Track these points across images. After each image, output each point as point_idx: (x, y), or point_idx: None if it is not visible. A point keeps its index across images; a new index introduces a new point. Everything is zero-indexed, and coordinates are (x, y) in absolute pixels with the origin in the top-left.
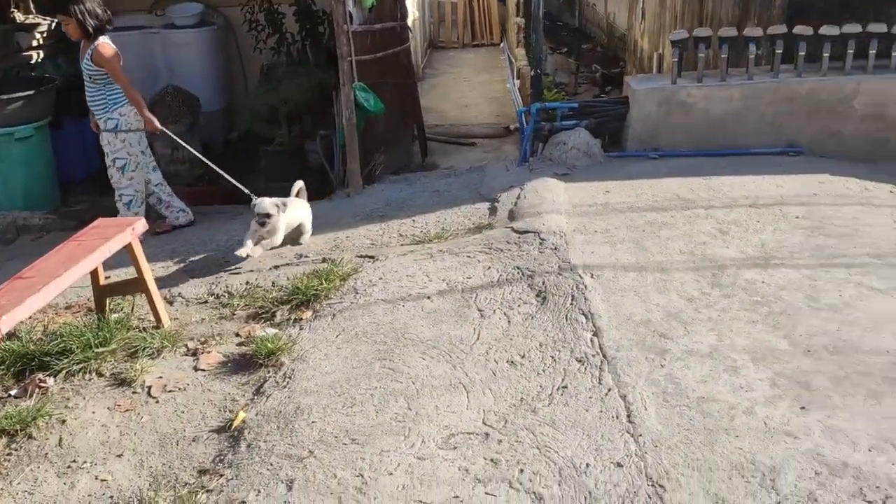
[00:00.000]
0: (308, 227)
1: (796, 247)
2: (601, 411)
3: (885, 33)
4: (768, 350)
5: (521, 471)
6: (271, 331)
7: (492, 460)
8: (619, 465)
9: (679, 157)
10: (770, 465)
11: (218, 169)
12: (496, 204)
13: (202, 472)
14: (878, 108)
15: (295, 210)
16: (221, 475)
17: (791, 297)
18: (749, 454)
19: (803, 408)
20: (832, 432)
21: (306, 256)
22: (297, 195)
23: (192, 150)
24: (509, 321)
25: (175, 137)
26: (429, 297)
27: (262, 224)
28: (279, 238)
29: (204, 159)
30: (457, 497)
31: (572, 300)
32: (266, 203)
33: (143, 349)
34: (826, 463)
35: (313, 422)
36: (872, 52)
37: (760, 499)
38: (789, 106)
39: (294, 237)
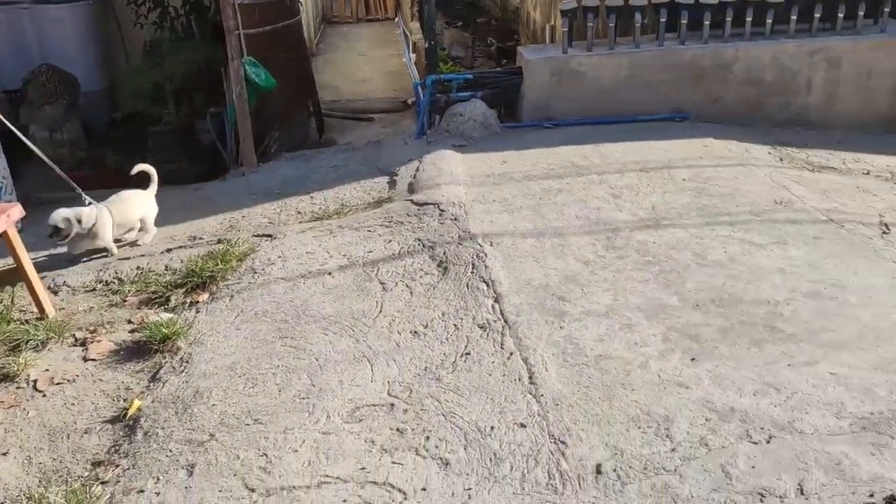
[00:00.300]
0: (150, 224)
1: (684, 208)
2: (504, 375)
3: (760, 1)
4: (660, 307)
5: (428, 438)
6: (166, 315)
7: (398, 430)
8: (523, 425)
9: (572, 125)
10: (664, 415)
11: (48, 160)
12: (395, 178)
13: (96, 463)
14: (755, 74)
15: (128, 208)
16: (117, 465)
17: (680, 255)
18: (644, 406)
19: (693, 359)
20: (720, 380)
21: (200, 238)
22: (149, 183)
23: (24, 137)
24: (412, 292)
25: (7, 122)
26: (330, 273)
27: (51, 237)
28: (105, 238)
29: (35, 149)
30: (363, 469)
31: (473, 269)
32: (57, 217)
33: (27, 342)
34: (715, 409)
35: (213, 405)
36: (749, 19)
37: (656, 447)
38: (675, 73)
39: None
